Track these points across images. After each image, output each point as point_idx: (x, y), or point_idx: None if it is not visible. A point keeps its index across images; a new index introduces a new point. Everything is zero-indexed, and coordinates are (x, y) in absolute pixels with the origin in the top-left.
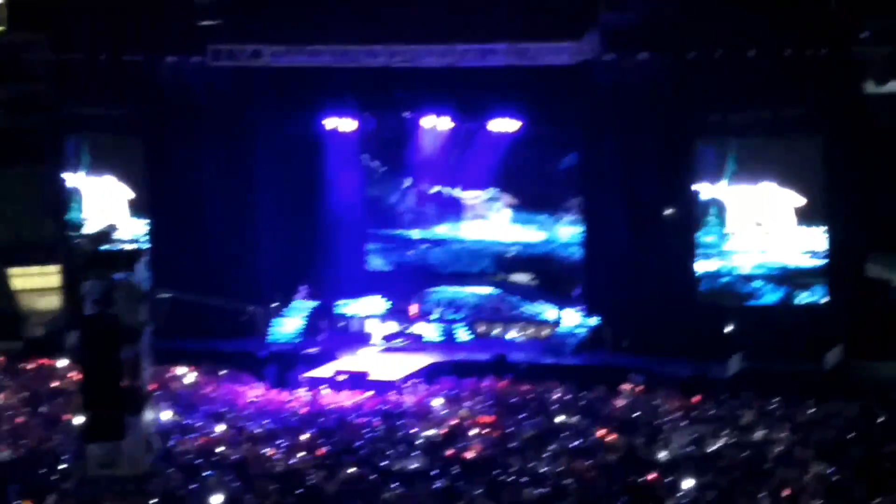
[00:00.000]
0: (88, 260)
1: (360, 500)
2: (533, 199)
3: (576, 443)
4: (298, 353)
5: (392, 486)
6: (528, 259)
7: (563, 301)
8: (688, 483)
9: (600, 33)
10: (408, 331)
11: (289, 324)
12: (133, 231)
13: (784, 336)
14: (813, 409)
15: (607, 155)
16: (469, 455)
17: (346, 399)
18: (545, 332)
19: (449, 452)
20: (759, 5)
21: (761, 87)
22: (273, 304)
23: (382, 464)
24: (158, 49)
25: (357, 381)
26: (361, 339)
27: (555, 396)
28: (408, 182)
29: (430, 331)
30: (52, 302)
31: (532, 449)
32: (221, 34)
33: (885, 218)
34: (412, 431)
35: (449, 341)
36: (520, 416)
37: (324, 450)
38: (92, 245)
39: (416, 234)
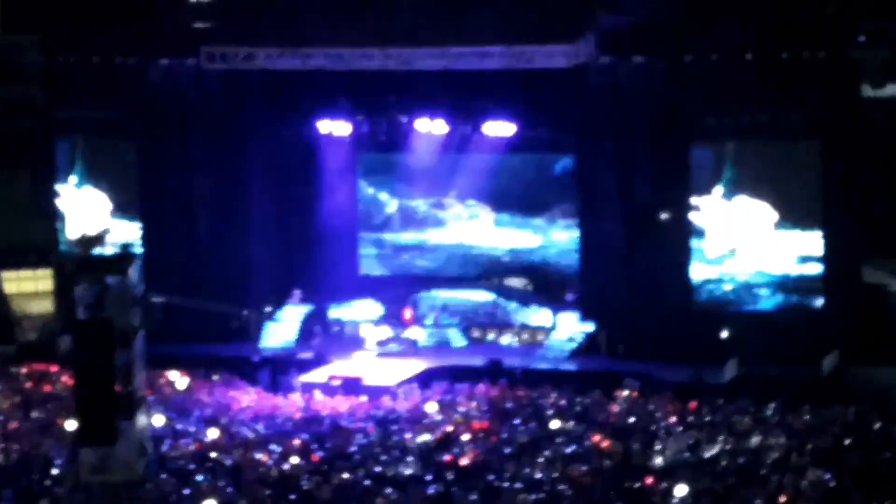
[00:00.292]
0: (81, 264)
1: None
2: (528, 203)
3: (571, 448)
4: (292, 357)
5: (386, 491)
6: (523, 264)
7: (558, 306)
8: (683, 489)
9: (596, 36)
10: (402, 335)
11: (282, 328)
12: (125, 235)
13: (780, 341)
14: (809, 415)
15: (603, 158)
16: (463, 461)
17: (340, 404)
18: (540, 337)
19: (443, 458)
20: (755, 8)
21: (758, 90)
22: (266, 309)
23: (376, 469)
24: (151, 52)
25: (351, 386)
26: (355, 343)
27: (550, 402)
28: (401, 186)
29: (424, 336)
30: (45, 306)
31: (527, 455)
32: (214, 37)
33: (883, 222)
34: (406, 437)
35: (443, 346)
36: (515, 422)
37: (317, 455)
38: (84, 249)
39: (409, 238)
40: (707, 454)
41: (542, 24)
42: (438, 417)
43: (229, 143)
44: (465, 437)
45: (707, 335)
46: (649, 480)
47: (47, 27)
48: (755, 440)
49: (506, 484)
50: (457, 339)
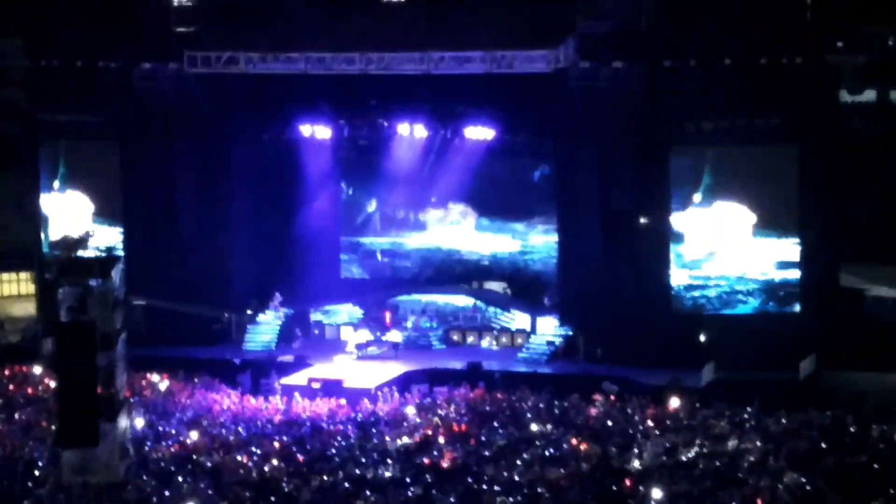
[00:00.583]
0: (64, 267)
1: None
2: (507, 207)
3: (549, 451)
4: (273, 360)
5: (365, 493)
6: (503, 268)
7: (537, 310)
8: (660, 492)
9: (576, 42)
10: (382, 339)
11: (263, 331)
12: (108, 238)
13: (758, 346)
14: (786, 419)
15: (582, 163)
16: (443, 463)
17: (320, 407)
18: (519, 340)
19: (422, 460)
20: (734, 15)
21: (736, 95)
22: (248, 312)
23: (356, 472)
24: (134, 56)
25: (331, 388)
26: (335, 346)
27: (528, 405)
28: (382, 189)
29: (403, 339)
30: (28, 308)
31: (506, 457)
32: (197, 41)
33: (860, 227)
34: (386, 439)
35: (423, 350)
36: (493, 425)
37: (298, 457)
38: (67, 252)
39: (390, 242)
40: (684, 457)
41: (523, 30)
42: (418, 420)
43: (211, 146)
44: (445, 439)
45: (685, 339)
46: (627, 483)
47: (31, 31)
48: (732, 444)
49: (485, 486)
50: (436, 342)
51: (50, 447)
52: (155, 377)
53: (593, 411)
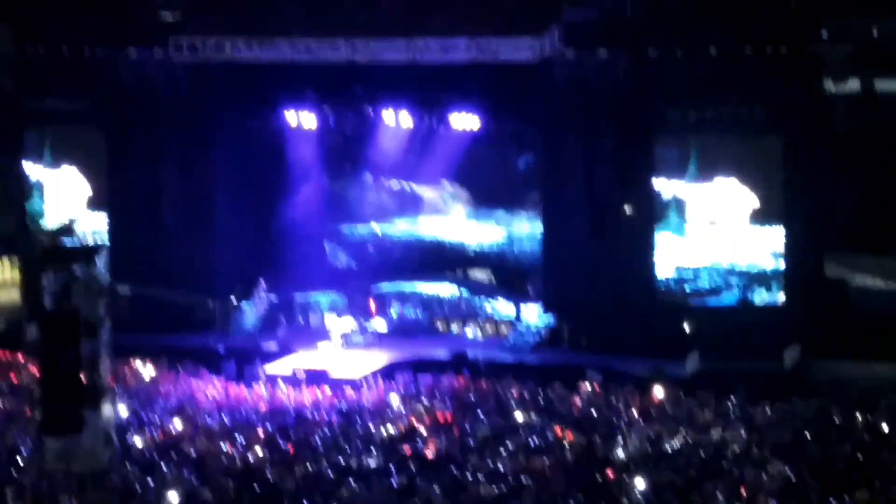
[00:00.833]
0: (48, 253)
1: (318, 496)
2: (492, 196)
3: (533, 441)
4: (257, 348)
5: (349, 482)
6: (487, 256)
7: (521, 298)
8: (645, 482)
9: (561, 29)
10: (366, 327)
11: (248, 318)
12: (93, 225)
13: (742, 335)
14: (770, 409)
15: (567, 151)
16: (427, 453)
17: (305, 395)
18: (504, 329)
19: (406, 450)
20: (719, 4)
21: (721, 84)
22: (232, 299)
23: (340, 461)
24: (120, 42)
25: (315, 377)
26: (320, 334)
27: (513, 394)
28: (367, 177)
29: (388, 327)
30: (11, 295)
31: (490, 447)
32: (183, 28)
33: (844, 217)
34: (370, 428)
35: (407, 338)
36: (478, 414)
37: (282, 446)
38: (52, 239)
39: (375, 229)
40: (668, 447)
41: (508, 17)
42: (402, 409)
43: (197, 133)
44: (429, 429)
45: (669, 329)
46: (611, 473)
47: (17, 17)
48: (716, 433)
49: (469, 475)
50: (421, 330)
51: (33, 435)
52: (139, 365)
53: (577, 400)
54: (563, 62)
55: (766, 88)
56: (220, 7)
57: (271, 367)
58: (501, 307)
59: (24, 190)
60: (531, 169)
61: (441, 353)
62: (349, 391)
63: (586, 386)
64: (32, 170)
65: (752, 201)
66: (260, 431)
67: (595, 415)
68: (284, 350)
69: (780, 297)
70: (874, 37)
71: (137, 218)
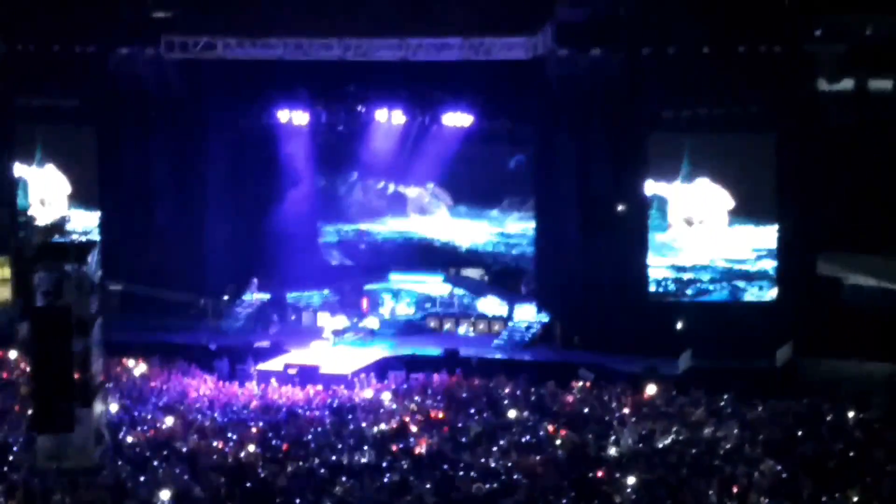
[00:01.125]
0: (39, 251)
1: (310, 493)
2: (484, 194)
3: (526, 438)
4: (249, 345)
5: (342, 479)
6: (480, 254)
7: (514, 297)
8: (637, 479)
9: (554, 28)
10: (359, 324)
11: (240, 316)
12: (84, 223)
13: (734, 333)
14: (762, 407)
15: (560, 150)
16: (419, 449)
17: (297, 393)
18: (496, 327)
19: (399, 447)
20: (712, 2)
21: (715, 83)
22: (224, 297)
23: (332, 458)
24: (111, 40)
25: (308, 374)
26: (312, 332)
27: (505, 392)
28: (357, 176)
29: (380, 325)
30: (3, 293)
31: (482, 444)
32: (174, 25)
33: (836, 216)
34: (362, 426)
35: (400, 336)
36: (470, 412)
37: (274, 443)
38: (43, 236)
39: (367, 227)
40: (660, 445)
41: (502, 16)
42: (394, 406)
43: (188, 131)
44: (421, 426)
45: (662, 327)
46: (603, 470)
47: (7, 15)
48: (709, 431)
49: (461, 473)
50: (413, 328)
51: (24, 432)
52: (131, 362)
53: (570, 398)
54: (556, 61)
55: (759, 87)
56: (211, 5)
57: (263, 365)
58: (494, 305)
59: (14, 188)
60: (524, 167)
61: (434, 350)
62: (341, 388)
63: (578, 383)
64: (23, 168)
65: (728, 201)
66: (252, 429)
67: (587, 412)
68: (276, 348)
69: (772, 295)
70: (867, 36)
71: (129, 216)
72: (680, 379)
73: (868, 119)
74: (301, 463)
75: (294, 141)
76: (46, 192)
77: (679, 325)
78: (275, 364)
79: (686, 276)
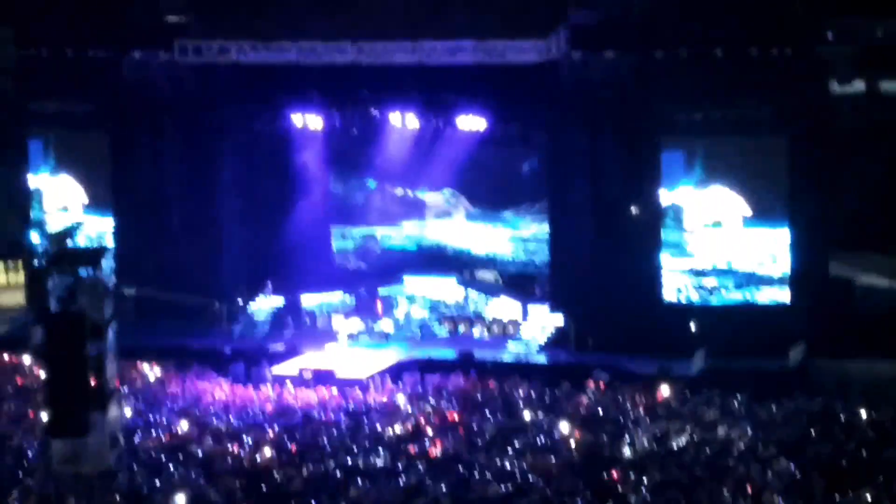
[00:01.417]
0: (53, 256)
1: (326, 496)
2: (498, 198)
3: (541, 440)
4: (264, 349)
5: (357, 482)
6: (494, 257)
7: (528, 299)
8: (651, 479)
9: (567, 32)
10: (373, 328)
11: (254, 320)
12: (98, 228)
13: (747, 334)
14: (775, 407)
15: (573, 153)
16: (434, 452)
17: (312, 396)
18: (511, 329)
19: (414, 449)
20: (724, 5)
21: (727, 86)
22: (238, 300)
23: (348, 461)
24: (124, 45)
25: (322, 378)
26: (327, 335)
27: (520, 394)
28: (372, 180)
29: (395, 328)
30: (17, 298)
31: (497, 446)
32: (188, 30)
33: (849, 217)
34: (377, 428)
35: (414, 338)
36: (485, 413)
37: (289, 447)
38: (57, 242)
39: (381, 231)
40: (675, 445)
41: (514, 20)
42: (409, 409)
43: (202, 136)
44: (436, 428)
45: (675, 328)
46: (617, 471)
47: (20, 20)
48: (722, 432)
49: (476, 475)
50: (428, 331)
51: (39, 437)
52: (145, 367)
53: (584, 399)
54: (569, 64)
55: (771, 89)
56: (225, 9)
57: (278, 369)
58: (509, 307)
59: (28, 193)
60: (537, 170)
61: (448, 353)
62: (356, 391)
63: (593, 385)
64: (36, 173)
65: (744, 206)
66: (268, 432)
67: (602, 414)
68: (291, 351)
69: (786, 296)
70: (878, 38)
71: (143, 220)
72: (694, 380)
73: (880, 120)
74: (317, 465)
75: (308, 145)
76: (60, 200)
77: (693, 327)
78: (290, 367)
79: (701, 279)
